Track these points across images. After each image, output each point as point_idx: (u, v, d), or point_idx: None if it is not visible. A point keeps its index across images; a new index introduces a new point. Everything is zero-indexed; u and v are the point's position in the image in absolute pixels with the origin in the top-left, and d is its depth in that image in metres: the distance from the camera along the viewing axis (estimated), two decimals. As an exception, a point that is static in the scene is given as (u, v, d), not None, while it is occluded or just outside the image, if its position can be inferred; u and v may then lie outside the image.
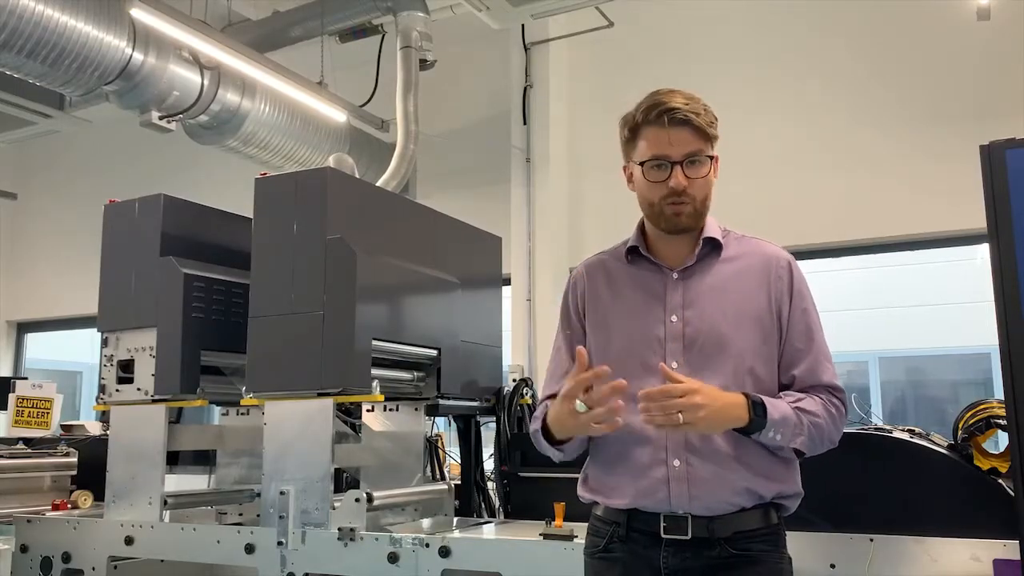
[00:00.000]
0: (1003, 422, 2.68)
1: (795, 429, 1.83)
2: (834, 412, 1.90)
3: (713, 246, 1.98)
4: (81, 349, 9.94)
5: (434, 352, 3.74)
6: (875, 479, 2.84)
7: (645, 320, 1.95)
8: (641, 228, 2.05)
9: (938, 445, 2.91)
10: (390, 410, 3.98)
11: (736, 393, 1.81)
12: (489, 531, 3.56)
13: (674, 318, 1.93)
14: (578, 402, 1.75)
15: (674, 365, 1.88)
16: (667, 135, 1.88)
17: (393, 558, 3.07)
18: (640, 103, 1.95)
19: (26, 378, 6.22)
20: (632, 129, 1.96)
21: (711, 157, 1.92)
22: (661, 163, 1.90)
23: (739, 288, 1.95)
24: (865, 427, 3.19)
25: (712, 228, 2.00)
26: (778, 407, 1.83)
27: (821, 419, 1.87)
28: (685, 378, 1.75)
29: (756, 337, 1.91)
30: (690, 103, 1.90)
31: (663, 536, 1.85)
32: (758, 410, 1.80)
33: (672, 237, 1.98)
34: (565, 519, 3.00)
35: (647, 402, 1.73)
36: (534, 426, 2.02)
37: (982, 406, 2.91)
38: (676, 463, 1.86)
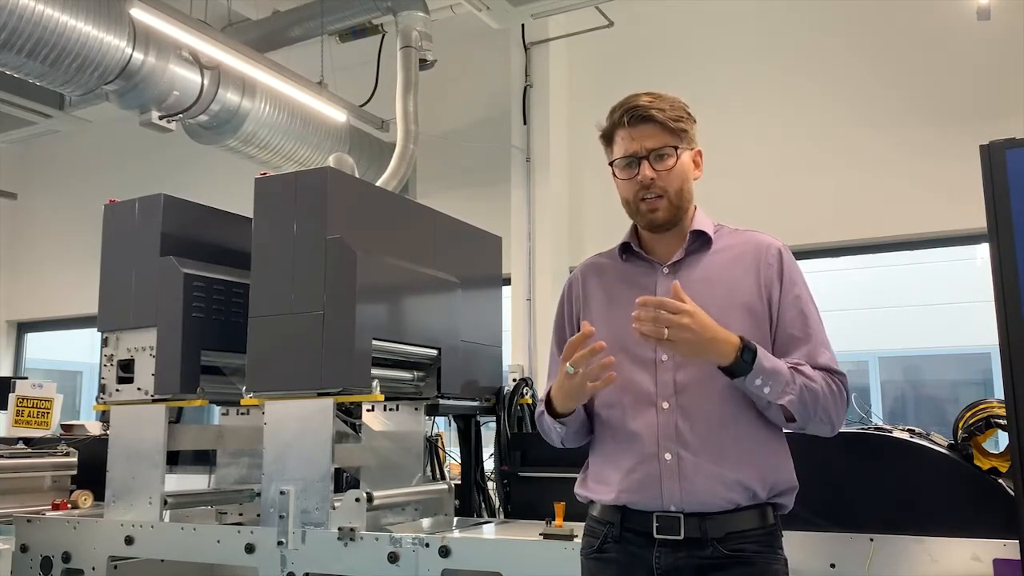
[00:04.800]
0: (1003, 422, 2.68)
1: (786, 386, 1.81)
2: (834, 389, 1.87)
3: (703, 240, 2.01)
4: (81, 349, 9.95)
5: (434, 352, 3.74)
6: (875, 479, 2.84)
7: None
8: (635, 226, 2.08)
9: (938, 445, 2.91)
10: (390, 410, 3.98)
11: (733, 334, 1.80)
12: (489, 531, 3.56)
13: None
14: (568, 365, 1.81)
15: (664, 358, 1.90)
16: (632, 133, 1.95)
17: (393, 558, 3.07)
18: (610, 109, 2.02)
19: (26, 378, 6.22)
20: (604, 135, 2.04)
21: (676, 148, 1.95)
22: (630, 160, 1.96)
23: (729, 277, 1.96)
24: (865, 427, 3.19)
25: (701, 222, 2.02)
26: (771, 359, 1.82)
27: (818, 386, 1.84)
28: (689, 301, 1.77)
29: (747, 325, 1.90)
30: (654, 101, 1.96)
31: (656, 536, 1.86)
32: (747, 354, 1.78)
33: (663, 234, 2.01)
34: (565, 519, 3.00)
35: (642, 310, 1.76)
36: (539, 408, 2.05)
37: (982, 406, 2.91)
38: (667, 457, 1.86)
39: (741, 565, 1.84)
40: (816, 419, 1.86)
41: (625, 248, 2.07)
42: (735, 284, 1.95)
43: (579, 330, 2.06)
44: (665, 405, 1.89)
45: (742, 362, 1.78)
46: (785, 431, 1.97)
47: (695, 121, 2.01)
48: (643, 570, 1.87)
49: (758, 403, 1.86)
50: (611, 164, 2.01)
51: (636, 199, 1.97)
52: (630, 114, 1.95)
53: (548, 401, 1.97)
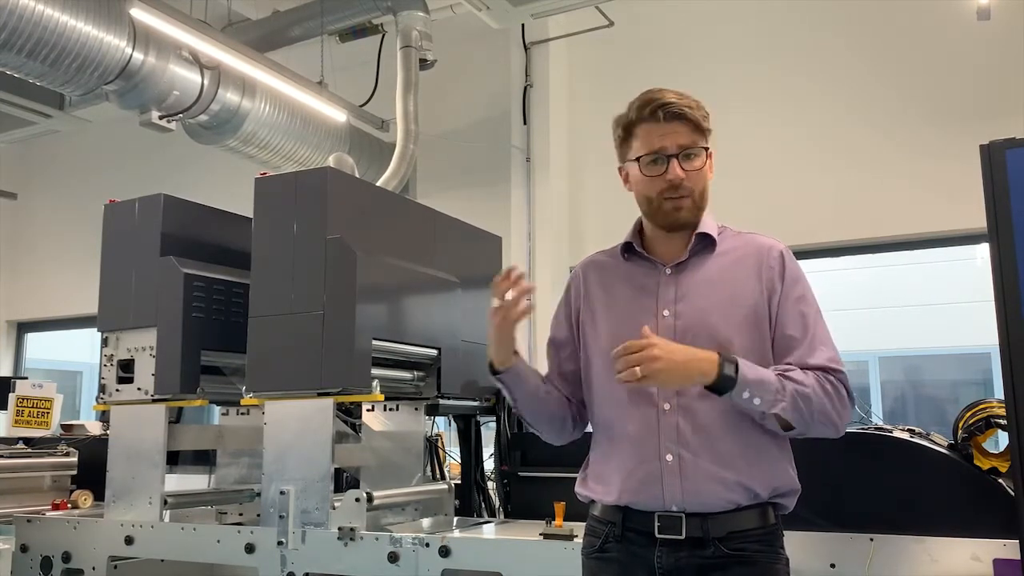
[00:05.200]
0: (1003, 422, 2.68)
1: (776, 395, 1.78)
2: (829, 389, 1.84)
3: (707, 242, 1.99)
4: (81, 349, 9.95)
5: (434, 352, 3.74)
6: (875, 479, 2.84)
7: (636, 315, 1.96)
8: (638, 226, 2.07)
9: (938, 445, 2.91)
10: (390, 410, 3.98)
11: (710, 351, 1.78)
12: (489, 531, 3.57)
13: (666, 312, 1.93)
14: (494, 300, 1.88)
15: None
16: (662, 130, 1.91)
17: (393, 558, 3.07)
18: (632, 102, 1.98)
19: (26, 378, 6.22)
20: (626, 128, 1.99)
21: (705, 149, 1.94)
22: (657, 157, 1.92)
23: (731, 280, 1.95)
24: (865, 427, 3.19)
25: (707, 224, 2.00)
26: (756, 370, 1.80)
27: (810, 390, 1.81)
28: (650, 334, 1.76)
29: (749, 327, 1.90)
30: (683, 98, 1.93)
31: (658, 536, 1.85)
32: (727, 367, 1.76)
33: (669, 234, 1.99)
34: (565, 519, 3.00)
35: (616, 361, 1.76)
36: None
37: (982, 406, 2.91)
38: (669, 458, 1.86)
39: (743, 565, 1.83)
40: (815, 423, 1.84)
41: (627, 247, 2.05)
42: (738, 287, 1.94)
43: (578, 328, 2.07)
44: (666, 406, 1.88)
45: (724, 377, 1.76)
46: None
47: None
48: (644, 570, 1.87)
49: (754, 415, 1.84)
50: (636, 160, 1.95)
51: (660, 197, 1.93)
52: (663, 110, 1.90)
53: (491, 363, 2.02)
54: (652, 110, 1.92)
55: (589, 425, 2.13)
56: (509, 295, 1.91)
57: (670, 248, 2.00)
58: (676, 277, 1.97)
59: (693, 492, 1.84)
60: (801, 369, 1.85)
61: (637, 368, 1.72)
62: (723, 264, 1.97)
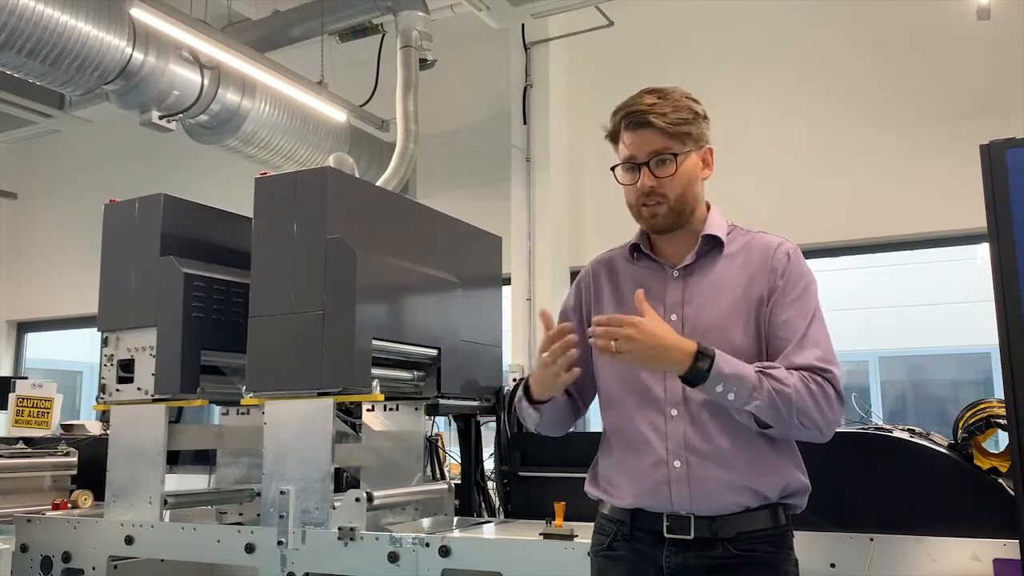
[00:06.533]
0: (1003, 422, 2.69)
1: (752, 392, 1.75)
2: (814, 389, 1.77)
3: (714, 243, 1.97)
4: (81, 349, 9.95)
5: (434, 352, 3.74)
6: (875, 479, 2.85)
7: None
8: None
9: (938, 445, 2.92)
10: (390, 410, 3.98)
11: (690, 342, 1.78)
12: (489, 531, 3.56)
13: (673, 317, 1.92)
14: (544, 355, 1.87)
15: None
16: (632, 137, 1.91)
17: (393, 558, 3.07)
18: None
19: (26, 378, 6.22)
20: (611, 136, 2.00)
21: (676, 155, 1.89)
22: (630, 165, 1.93)
23: (737, 282, 1.93)
24: (865, 427, 3.19)
25: (714, 225, 1.98)
26: (734, 364, 1.77)
27: (790, 389, 1.75)
28: (649, 312, 1.79)
29: (751, 330, 1.89)
30: (657, 103, 1.90)
31: (666, 536, 1.85)
32: (702, 360, 1.74)
33: (673, 235, 1.98)
34: (565, 518, 3.00)
35: (596, 327, 1.79)
36: (518, 393, 2.06)
37: (982, 406, 2.91)
38: (676, 464, 1.85)
39: (751, 566, 1.83)
40: (796, 424, 1.79)
41: (635, 249, 2.05)
42: (743, 289, 1.92)
43: (586, 323, 2.06)
44: (674, 412, 1.87)
45: (696, 368, 1.75)
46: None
47: (706, 117, 1.95)
48: (652, 569, 1.87)
49: (726, 406, 1.80)
50: (613, 169, 1.97)
51: (638, 204, 1.94)
52: (629, 119, 1.91)
53: (527, 386, 1.99)
54: (622, 118, 1.93)
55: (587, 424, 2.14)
56: (557, 358, 1.86)
57: (677, 249, 1.99)
58: (683, 280, 1.96)
59: (701, 497, 1.83)
60: (787, 368, 1.81)
61: (613, 343, 1.76)
62: (730, 266, 1.95)
